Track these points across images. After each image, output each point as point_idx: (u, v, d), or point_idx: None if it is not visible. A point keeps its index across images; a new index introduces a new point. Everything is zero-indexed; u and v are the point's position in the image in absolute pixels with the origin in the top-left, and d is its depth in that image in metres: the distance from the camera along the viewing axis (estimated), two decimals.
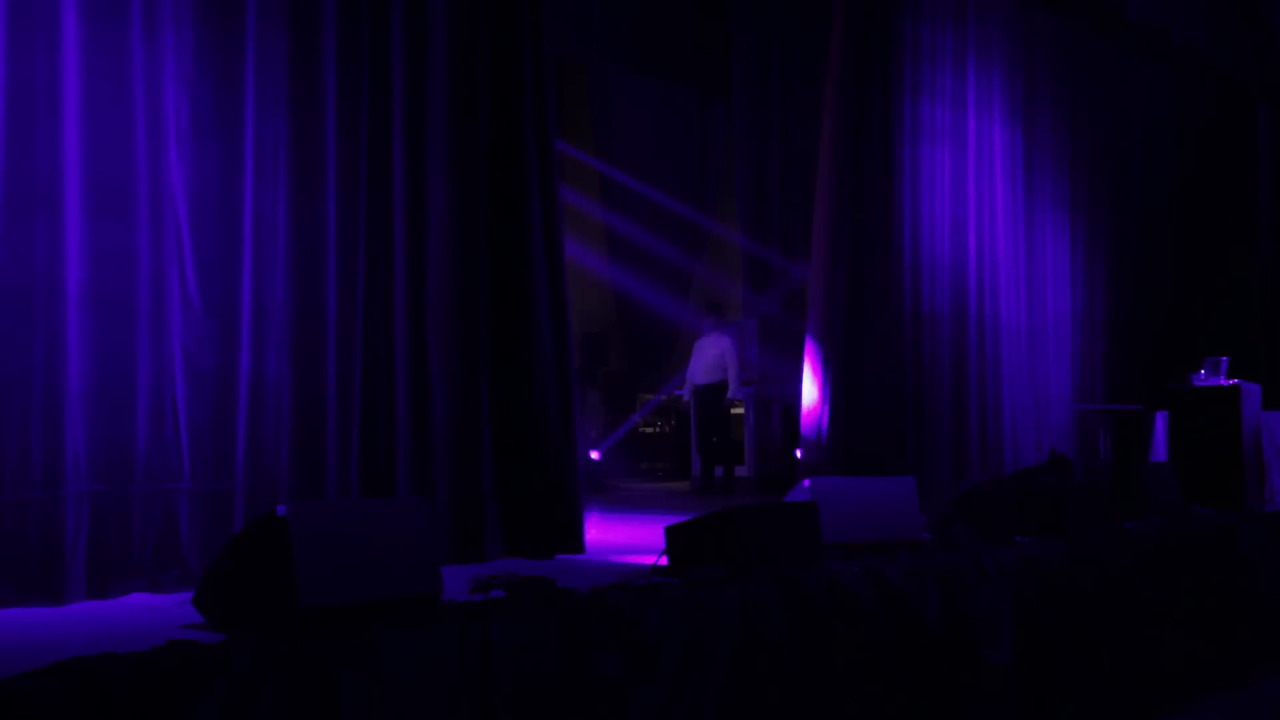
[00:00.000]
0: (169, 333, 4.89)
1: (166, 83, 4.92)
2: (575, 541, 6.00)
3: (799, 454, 11.53)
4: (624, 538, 7.20)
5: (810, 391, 8.21)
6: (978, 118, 9.48)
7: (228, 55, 5.10)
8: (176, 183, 4.93)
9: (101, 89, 4.74)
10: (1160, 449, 9.22)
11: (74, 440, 4.59)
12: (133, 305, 4.79)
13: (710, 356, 11.51)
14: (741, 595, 4.08)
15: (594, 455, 12.54)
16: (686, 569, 4.49)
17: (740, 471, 11.58)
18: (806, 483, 5.42)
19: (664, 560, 4.71)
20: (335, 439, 5.32)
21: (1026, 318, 9.98)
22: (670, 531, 4.75)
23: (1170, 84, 12.22)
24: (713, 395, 11.52)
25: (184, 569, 4.81)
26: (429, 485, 5.62)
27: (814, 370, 8.22)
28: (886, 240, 8.44)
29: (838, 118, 8.23)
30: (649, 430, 14.28)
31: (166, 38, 4.92)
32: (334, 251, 5.40)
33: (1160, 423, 9.25)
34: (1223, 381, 8.50)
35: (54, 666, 2.68)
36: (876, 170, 8.41)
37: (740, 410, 11.94)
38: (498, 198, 5.97)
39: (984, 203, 9.53)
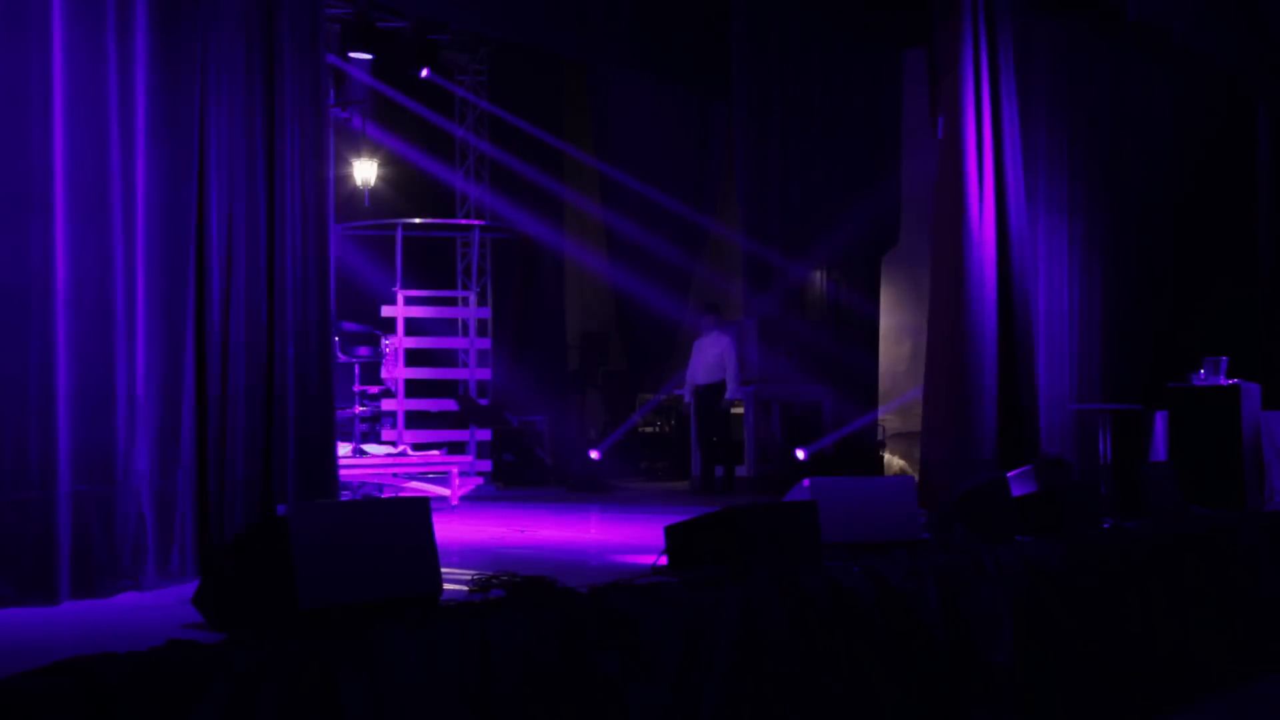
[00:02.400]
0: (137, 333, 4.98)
1: (138, 85, 4.98)
2: None
3: (799, 454, 11.57)
4: (624, 538, 7.21)
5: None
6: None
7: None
8: (140, 184, 5.02)
9: (83, 91, 4.78)
10: (1160, 449, 9.21)
11: (65, 440, 4.62)
12: (110, 307, 4.84)
13: (710, 356, 11.52)
14: (741, 595, 4.08)
15: (594, 455, 12.54)
16: (686, 569, 4.49)
17: (740, 471, 11.59)
18: (806, 482, 5.42)
19: (664, 560, 4.71)
20: (283, 437, 5.44)
21: None
22: (670, 531, 4.75)
23: (1170, 84, 12.21)
24: (712, 395, 11.52)
25: (163, 568, 4.89)
26: None
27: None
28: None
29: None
30: (649, 430, 14.28)
31: (138, 40, 4.98)
32: (287, 249, 5.52)
33: (1160, 423, 9.24)
34: (1223, 381, 8.49)
35: (54, 666, 2.68)
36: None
37: (740, 410, 11.95)
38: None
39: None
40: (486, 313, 12.27)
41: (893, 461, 13.63)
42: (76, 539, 4.63)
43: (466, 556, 6.09)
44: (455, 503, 9.42)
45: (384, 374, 11.07)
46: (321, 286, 5.72)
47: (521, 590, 3.76)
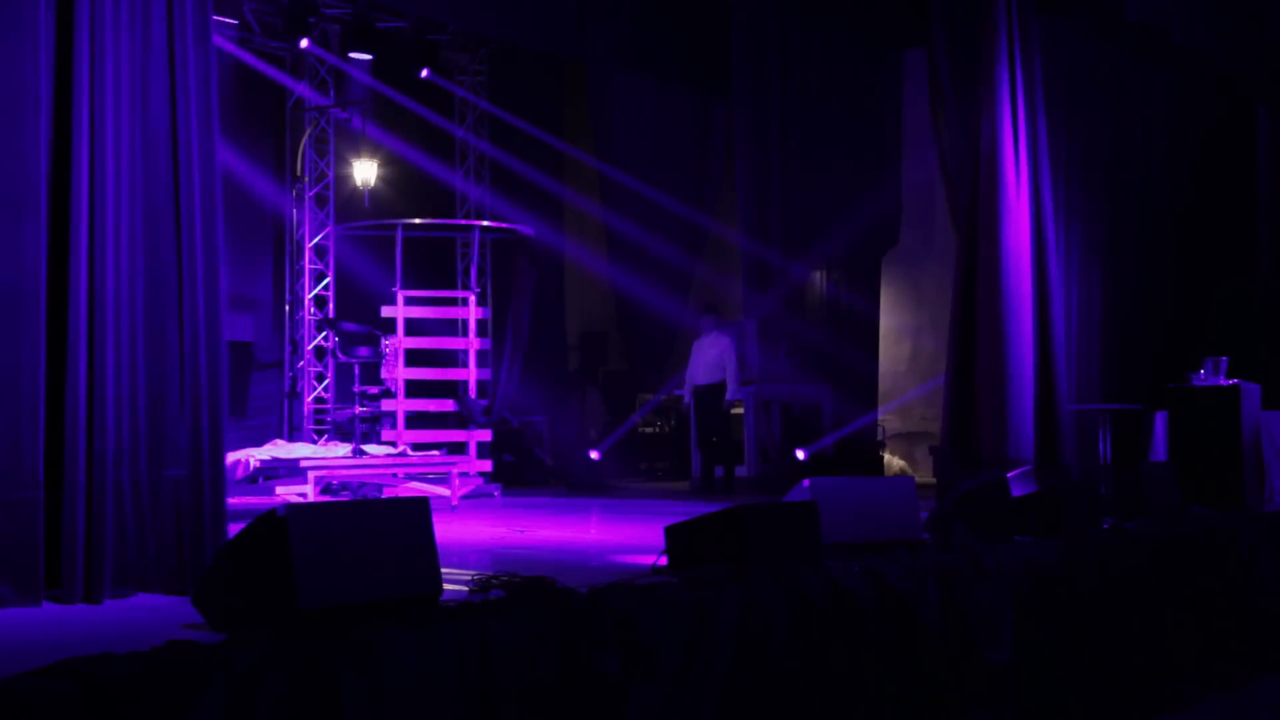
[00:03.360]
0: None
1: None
2: None
3: (799, 454, 11.57)
4: (624, 538, 7.21)
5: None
6: None
7: None
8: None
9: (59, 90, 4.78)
10: (1160, 449, 9.21)
11: (41, 441, 4.62)
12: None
13: (710, 357, 11.53)
14: (741, 595, 4.08)
15: (594, 455, 12.55)
16: (686, 569, 4.49)
17: (740, 471, 11.59)
18: (806, 483, 5.42)
19: (664, 560, 4.71)
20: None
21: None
22: (670, 531, 4.75)
23: (1170, 84, 12.20)
24: (712, 395, 11.53)
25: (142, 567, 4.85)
26: None
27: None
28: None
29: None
30: (649, 430, 14.29)
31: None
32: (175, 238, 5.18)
33: (1160, 423, 9.24)
34: (1223, 381, 8.49)
35: (54, 666, 2.67)
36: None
37: (740, 410, 11.95)
38: None
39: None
40: (486, 313, 12.28)
41: (893, 461, 13.64)
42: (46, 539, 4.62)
43: (466, 556, 6.10)
44: (455, 503, 9.42)
45: (384, 374, 11.09)
46: (210, 276, 5.13)
47: (521, 590, 3.76)
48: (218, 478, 5.11)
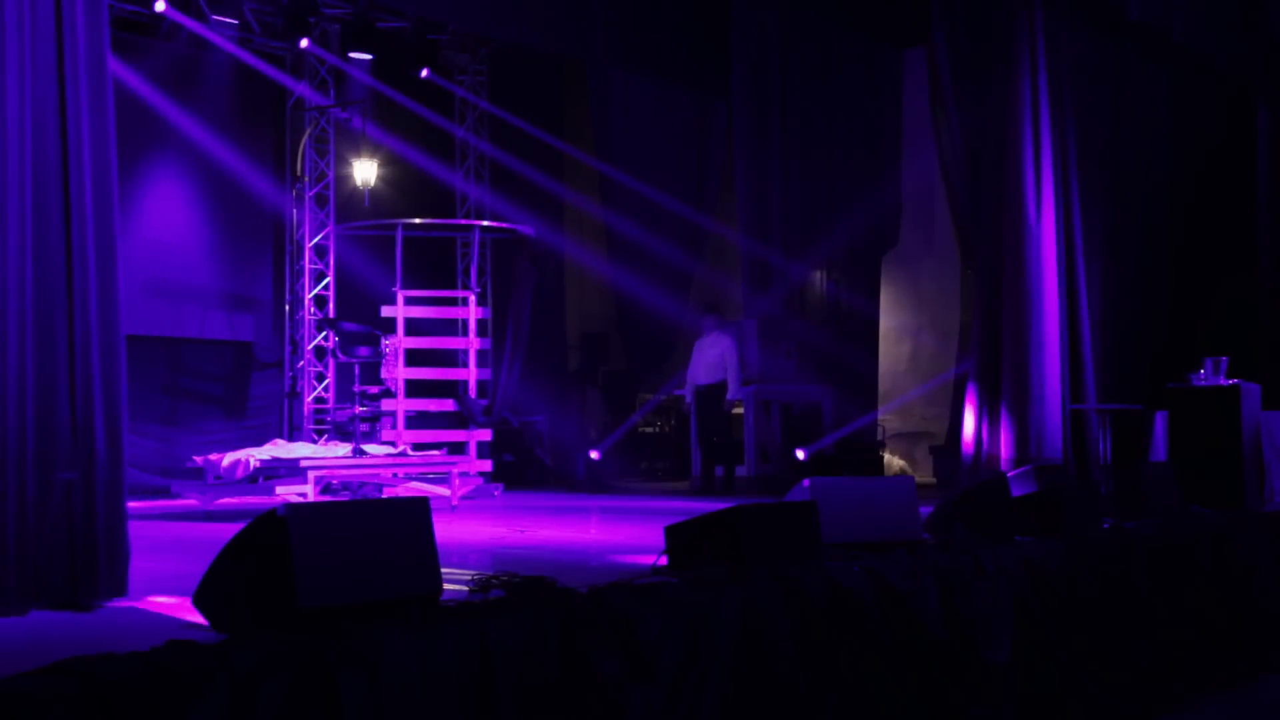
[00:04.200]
0: None
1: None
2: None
3: (799, 454, 11.57)
4: (624, 538, 7.21)
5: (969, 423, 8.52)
6: None
7: None
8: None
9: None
10: (1160, 449, 9.21)
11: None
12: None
13: (711, 357, 11.54)
14: (741, 595, 4.08)
15: (594, 455, 12.56)
16: (686, 569, 4.49)
17: (740, 471, 11.59)
18: (806, 483, 5.42)
19: (664, 560, 4.71)
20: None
21: None
22: (670, 531, 4.75)
23: (1170, 84, 12.21)
24: (713, 395, 11.53)
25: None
26: None
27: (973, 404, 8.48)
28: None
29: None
30: (649, 430, 14.29)
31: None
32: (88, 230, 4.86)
33: (1160, 423, 9.24)
34: (1223, 381, 8.49)
35: (54, 666, 2.68)
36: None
37: (740, 410, 11.96)
38: None
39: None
40: (486, 313, 12.28)
41: (893, 461, 13.64)
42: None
43: (466, 556, 6.10)
44: (455, 503, 9.42)
45: (384, 374, 11.09)
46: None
47: (521, 590, 3.76)
48: (115, 480, 4.68)
